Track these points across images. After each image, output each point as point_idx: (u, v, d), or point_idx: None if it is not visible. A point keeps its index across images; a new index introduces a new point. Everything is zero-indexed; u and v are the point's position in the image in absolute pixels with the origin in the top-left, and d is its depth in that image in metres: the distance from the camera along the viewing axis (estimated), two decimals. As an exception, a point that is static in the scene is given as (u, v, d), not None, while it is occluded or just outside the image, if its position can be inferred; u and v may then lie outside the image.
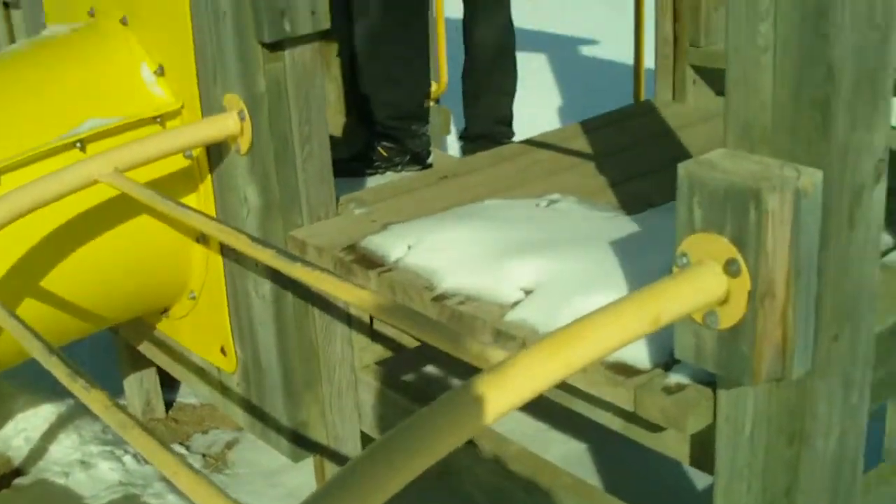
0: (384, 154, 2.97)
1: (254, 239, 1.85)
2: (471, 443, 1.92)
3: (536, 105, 5.07)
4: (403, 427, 1.03)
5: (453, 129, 3.91)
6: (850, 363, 1.40)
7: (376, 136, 2.97)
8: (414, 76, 3.02)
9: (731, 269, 1.23)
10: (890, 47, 1.27)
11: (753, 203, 1.20)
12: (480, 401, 1.00)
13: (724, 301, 1.25)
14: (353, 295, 1.63)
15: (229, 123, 2.09)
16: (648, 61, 2.97)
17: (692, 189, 1.24)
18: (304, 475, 2.54)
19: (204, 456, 2.82)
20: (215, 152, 2.21)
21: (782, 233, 1.21)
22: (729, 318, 1.25)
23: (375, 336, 2.16)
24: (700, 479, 2.42)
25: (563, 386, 1.64)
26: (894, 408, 1.83)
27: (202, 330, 2.42)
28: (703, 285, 1.22)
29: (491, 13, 3.32)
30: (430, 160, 3.06)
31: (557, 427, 2.74)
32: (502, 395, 1.01)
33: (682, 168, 1.25)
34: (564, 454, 2.60)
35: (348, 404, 2.20)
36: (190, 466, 1.25)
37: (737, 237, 1.22)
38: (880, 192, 1.34)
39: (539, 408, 2.77)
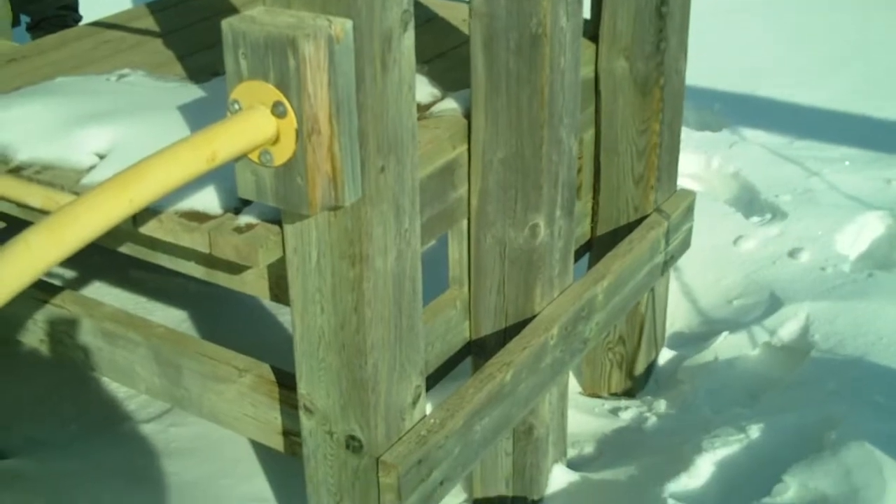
0: None
1: None
2: (63, 308, 2.00)
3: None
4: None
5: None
6: (400, 192, 1.59)
7: None
8: None
9: (278, 110, 1.37)
10: None
11: (291, 50, 1.34)
12: (55, 233, 1.09)
13: (275, 140, 1.39)
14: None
15: None
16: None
17: (236, 41, 1.37)
18: None
19: None
20: None
21: (320, 76, 1.37)
22: (282, 155, 1.40)
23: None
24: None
25: (146, 241, 1.75)
26: (453, 240, 2.07)
27: None
28: (253, 126, 1.36)
29: None
30: None
31: (156, 299, 2.86)
32: (72, 231, 1.10)
33: (226, 23, 1.37)
34: (162, 319, 2.73)
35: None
36: None
37: (280, 82, 1.36)
38: (409, 38, 1.52)
39: (137, 284, 2.88)
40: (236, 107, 1.39)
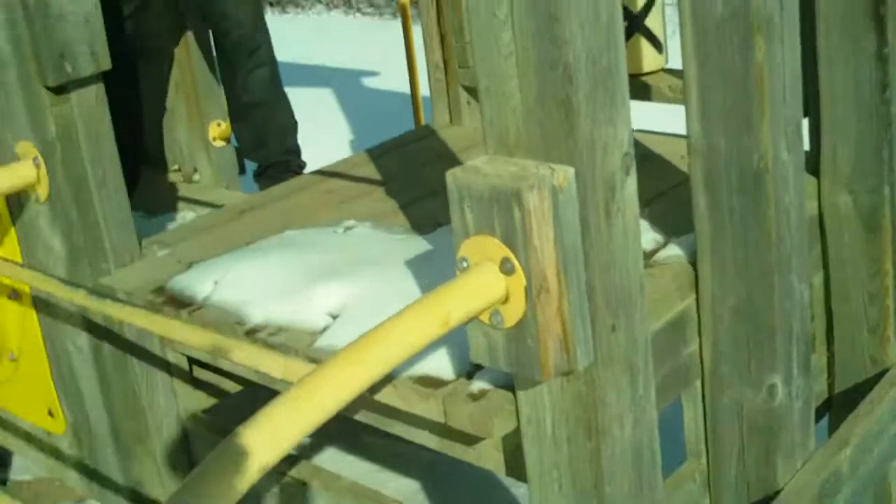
0: None
1: (64, 280, 1.87)
2: (301, 482, 1.94)
3: (323, 136, 5.12)
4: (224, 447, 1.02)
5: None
6: (632, 352, 1.47)
7: None
8: None
9: (505, 267, 1.29)
10: (619, 47, 1.36)
11: (516, 202, 1.26)
12: (296, 409, 1.02)
13: (505, 300, 1.31)
14: (167, 329, 1.69)
15: (25, 171, 2.06)
16: (425, 89, 3.05)
17: (461, 195, 1.31)
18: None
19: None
20: (15, 204, 2.17)
21: (546, 228, 1.28)
22: (512, 315, 1.31)
23: (197, 383, 2.15)
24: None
25: (382, 409, 1.69)
26: (688, 404, 1.91)
27: (27, 392, 2.35)
28: (483, 284, 1.28)
29: (249, 57, 3.46)
30: None
31: (389, 468, 2.76)
32: (316, 404, 1.05)
33: (450, 175, 1.32)
34: (396, 491, 2.62)
35: (180, 457, 2.16)
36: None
37: (506, 236, 1.29)
38: (632, 183, 1.43)
39: (370, 450, 2.79)
40: (464, 264, 1.32)
